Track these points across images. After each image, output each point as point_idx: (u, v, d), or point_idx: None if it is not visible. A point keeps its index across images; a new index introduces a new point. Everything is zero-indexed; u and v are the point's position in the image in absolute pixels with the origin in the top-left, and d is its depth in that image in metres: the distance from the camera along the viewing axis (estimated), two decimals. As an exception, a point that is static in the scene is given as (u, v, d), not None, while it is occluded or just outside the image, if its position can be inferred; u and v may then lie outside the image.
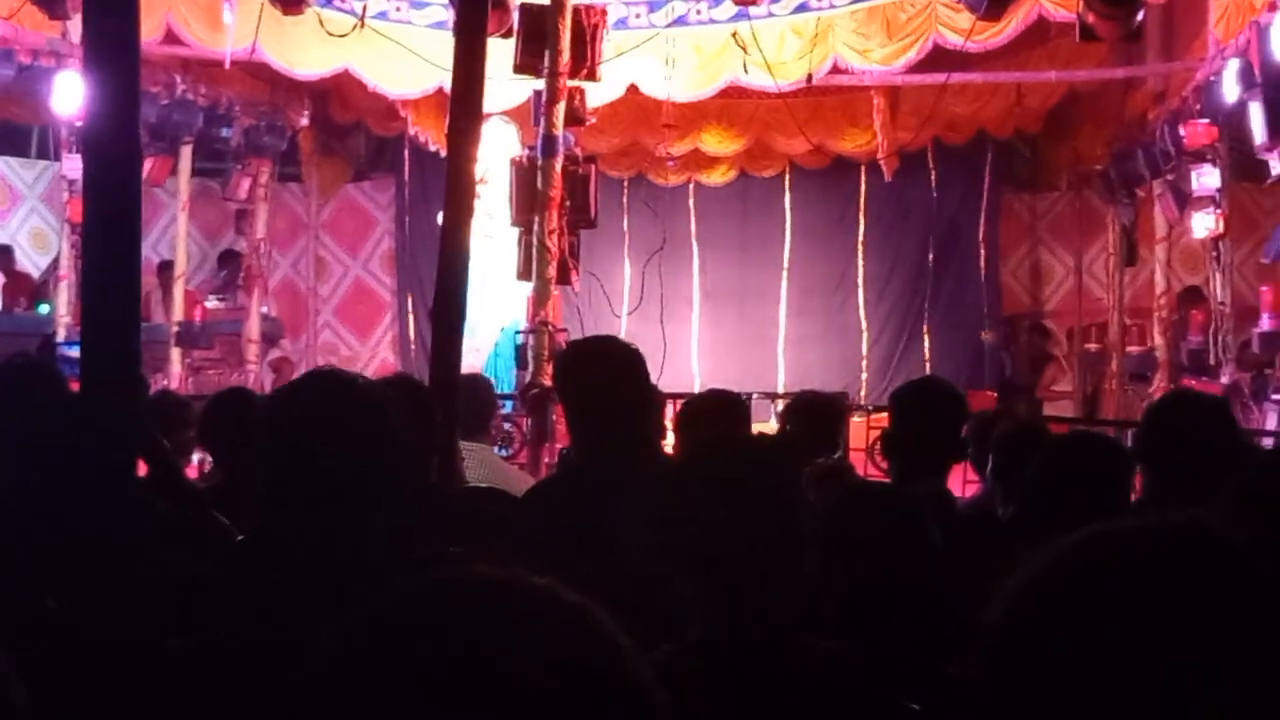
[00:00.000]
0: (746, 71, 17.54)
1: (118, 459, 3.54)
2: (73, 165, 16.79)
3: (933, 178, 22.71)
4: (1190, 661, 1.59)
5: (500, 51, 12.33)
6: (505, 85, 14.20)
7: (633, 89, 18.07)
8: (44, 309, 19.01)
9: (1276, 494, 3.00)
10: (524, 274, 13.30)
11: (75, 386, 3.82)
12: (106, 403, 3.52)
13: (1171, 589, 1.64)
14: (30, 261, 21.36)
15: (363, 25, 16.42)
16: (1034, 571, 1.72)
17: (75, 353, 3.67)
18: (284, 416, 3.44)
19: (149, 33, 16.00)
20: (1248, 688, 1.59)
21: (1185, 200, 17.52)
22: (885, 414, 14.63)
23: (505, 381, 15.07)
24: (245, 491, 3.74)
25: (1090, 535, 1.73)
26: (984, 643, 1.72)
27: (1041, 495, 4.76)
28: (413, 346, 23.16)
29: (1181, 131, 16.54)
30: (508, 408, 13.13)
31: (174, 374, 19.51)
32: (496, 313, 16.29)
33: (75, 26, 14.46)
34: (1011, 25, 16.27)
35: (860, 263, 23.28)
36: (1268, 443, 13.55)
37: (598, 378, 5.01)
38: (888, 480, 6.20)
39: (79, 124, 13.69)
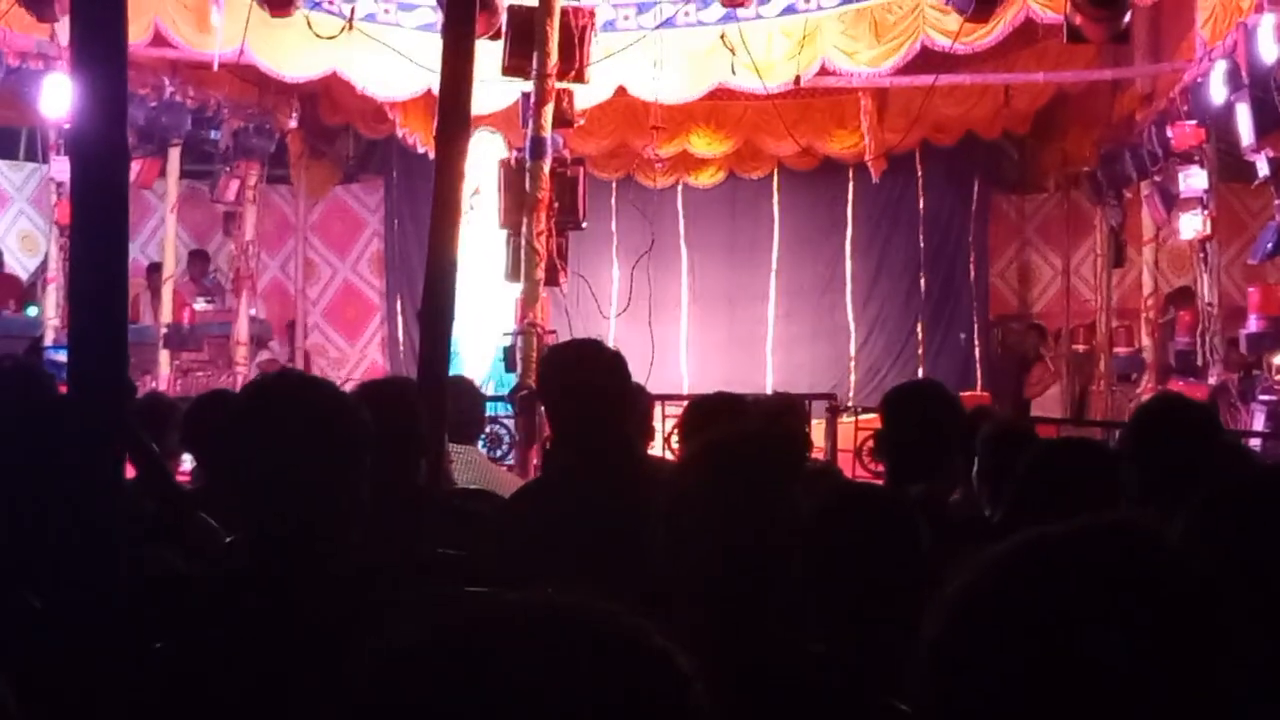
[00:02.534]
0: (735, 73, 17.55)
1: (104, 461, 3.53)
2: (61, 168, 16.79)
3: (920, 179, 22.77)
4: (1125, 662, 1.59)
5: (489, 53, 12.33)
6: (494, 87, 14.20)
7: (621, 91, 18.08)
8: (32, 311, 19.00)
9: (1242, 497, 3.00)
10: (512, 276, 13.30)
11: (63, 389, 3.81)
12: (93, 405, 3.52)
13: (1103, 591, 1.63)
14: (18, 264, 21.36)
15: (351, 27, 16.44)
16: (967, 582, 1.72)
17: (62, 356, 3.67)
18: (254, 425, 3.48)
19: (137, 35, 16.01)
20: (1182, 686, 1.59)
21: (1173, 201, 17.54)
22: (874, 415, 14.70)
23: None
24: (221, 494, 3.75)
25: (1021, 542, 1.73)
26: (924, 657, 1.71)
27: (1030, 499, 4.76)
28: (401, 348, 23.16)
29: (1169, 133, 16.56)
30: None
31: (163, 376, 19.49)
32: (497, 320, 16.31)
33: (63, 29, 14.45)
34: (999, 27, 16.29)
35: (849, 264, 23.30)
36: (1255, 443, 13.57)
37: (579, 380, 5.03)
38: (877, 482, 6.21)
39: (67, 126, 13.68)
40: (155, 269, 20.68)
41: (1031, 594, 1.65)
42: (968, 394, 20.37)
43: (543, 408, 5.41)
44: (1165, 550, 1.68)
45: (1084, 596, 1.62)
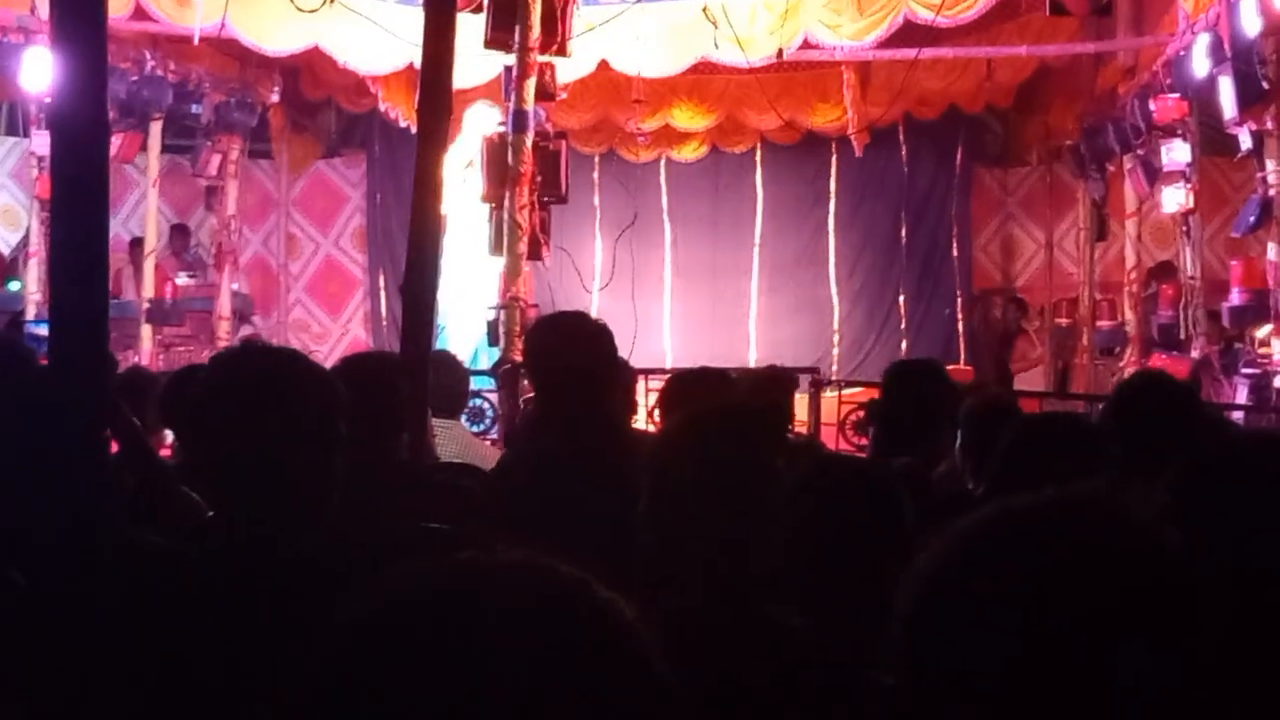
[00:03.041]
0: (717, 47, 17.52)
1: (86, 434, 3.53)
2: (42, 142, 16.71)
3: (904, 153, 22.77)
4: (1091, 633, 1.59)
5: (471, 27, 12.31)
6: (476, 61, 14.18)
7: (603, 65, 18.05)
8: (14, 286, 18.97)
9: (1219, 468, 3.01)
10: (495, 250, 13.29)
11: (44, 364, 3.81)
12: (75, 378, 3.52)
13: (1069, 563, 1.64)
14: (0, 239, 21.30)
15: (332, 1, 16.38)
16: (936, 555, 1.72)
17: (44, 330, 3.66)
18: (222, 401, 3.44)
19: (118, 9, 15.97)
20: (1149, 656, 1.60)
21: (1155, 175, 17.57)
22: (858, 389, 14.71)
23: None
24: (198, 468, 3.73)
25: (987, 516, 1.73)
26: (897, 633, 1.72)
27: (1014, 474, 4.76)
28: (384, 323, 23.15)
29: (1152, 106, 16.59)
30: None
31: (145, 351, 19.45)
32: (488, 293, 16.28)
33: (44, 2, 14.40)
34: (982, 0, 16.29)
35: (832, 238, 23.31)
36: (1238, 416, 13.60)
37: (564, 352, 5.03)
38: (860, 455, 6.21)
39: (48, 100, 13.65)
40: (137, 244, 20.61)
41: (999, 566, 1.66)
42: (951, 367, 20.41)
43: (527, 380, 5.39)
44: (1130, 522, 1.69)
45: (1050, 568, 1.63)
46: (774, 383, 8.28)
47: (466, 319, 16.59)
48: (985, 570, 1.67)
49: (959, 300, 22.86)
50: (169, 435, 6.87)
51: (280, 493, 3.31)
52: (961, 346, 22.53)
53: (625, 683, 1.47)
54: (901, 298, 22.98)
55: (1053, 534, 1.68)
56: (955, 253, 23.04)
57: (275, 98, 21.26)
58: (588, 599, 1.51)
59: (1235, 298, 15.86)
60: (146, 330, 19.72)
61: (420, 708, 1.42)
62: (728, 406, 3.88)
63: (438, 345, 17.58)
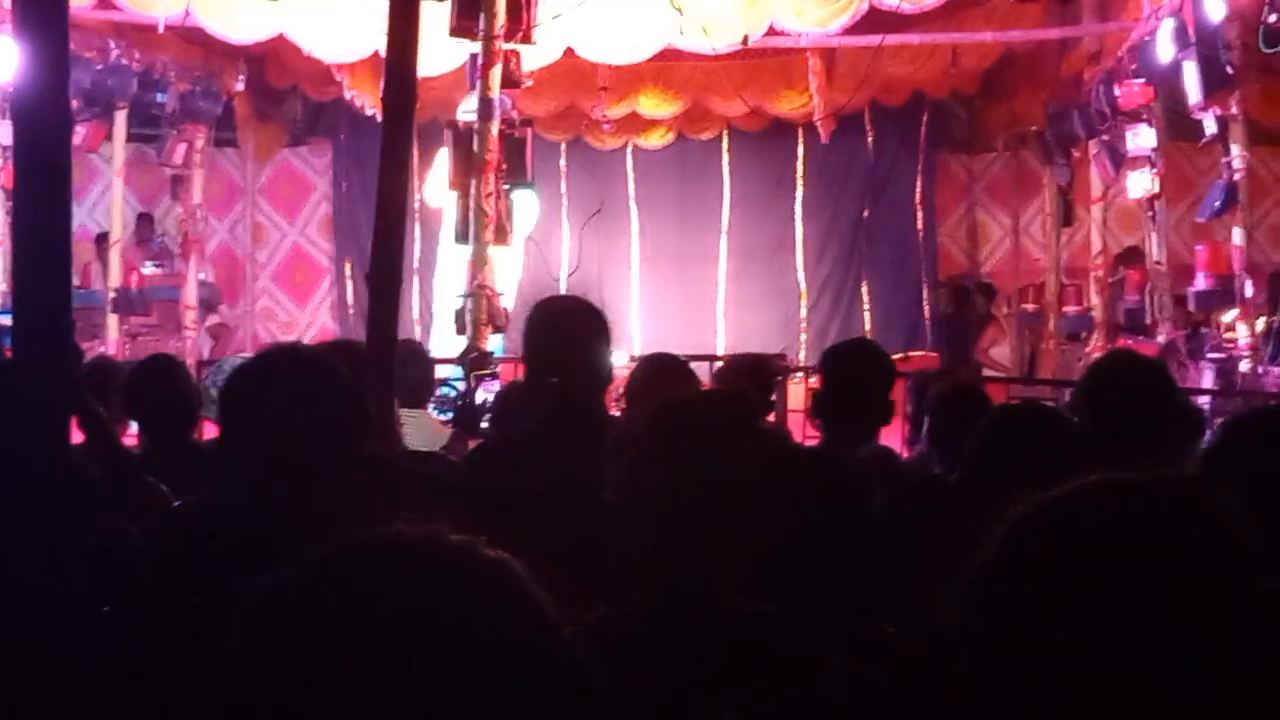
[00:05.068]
0: (683, 33, 17.49)
1: (50, 425, 3.52)
2: (6, 131, 16.64)
3: (870, 139, 22.81)
4: (1174, 616, 1.62)
5: (435, 15, 12.29)
6: (441, 49, 14.15)
7: (569, 52, 18.00)
8: (-21, 276, 18.89)
9: (1247, 451, 3.02)
10: (461, 237, 13.27)
11: (9, 354, 3.79)
12: (38, 369, 3.50)
13: (1167, 546, 1.67)
14: (-36, 229, 21.22)
15: (297, -12, 16.35)
16: (1028, 515, 1.75)
17: (7, 320, 3.65)
18: (253, 397, 3.51)
19: (82, -3, 15.91)
20: (1227, 644, 1.62)
21: (1121, 160, 17.63)
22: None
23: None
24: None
25: (1088, 485, 1.75)
26: (976, 577, 1.74)
27: (987, 462, 4.76)
28: (351, 311, 23.10)
29: (1117, 92, 16.64)
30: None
31: (111, 341, 19.41)
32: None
33: (7, -8, 14.35)
34: (947, -14, 16.32)
35: (799, 225, 23.33)
36: (1203, 400, 13.65)
37: (571, 337, 4.98)
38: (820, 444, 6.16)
39: (10, 90, 13.58)
40: (103, 239, 20.59)
41: (1096, 535, 1.69)
42: (917, 354, 20.51)
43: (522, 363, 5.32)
44: (1222, 515, 1.71)
45: (1147, 547, 1.67)
46: (754, 371, 8.28)
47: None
48: (1081, 533, 1.72)
49: (925, 286, 22.89)
50: (133, 425, 6.84)
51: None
52: (927, 332, 22.55)
53: (517, 631, 1.53)
54: (866, 284, 23.03)
55: (1152, 513, 1.73)
56: (921, 239, 23.08)
57: (240, 86, 21.17)
58: (474, 555, 1.57)
59: (1201, 282, 15.92)
60: (113, 320, 19.67)
61: (323, 670, 1.47)
62: (694, 395, 3.88)
63: (430, 335, 17.64)
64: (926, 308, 22.85)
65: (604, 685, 1.60)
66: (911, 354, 20.57)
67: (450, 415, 12.81)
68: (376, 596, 1.50)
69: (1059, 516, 1.73)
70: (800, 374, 16.47)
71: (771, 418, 13.22)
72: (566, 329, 5.03)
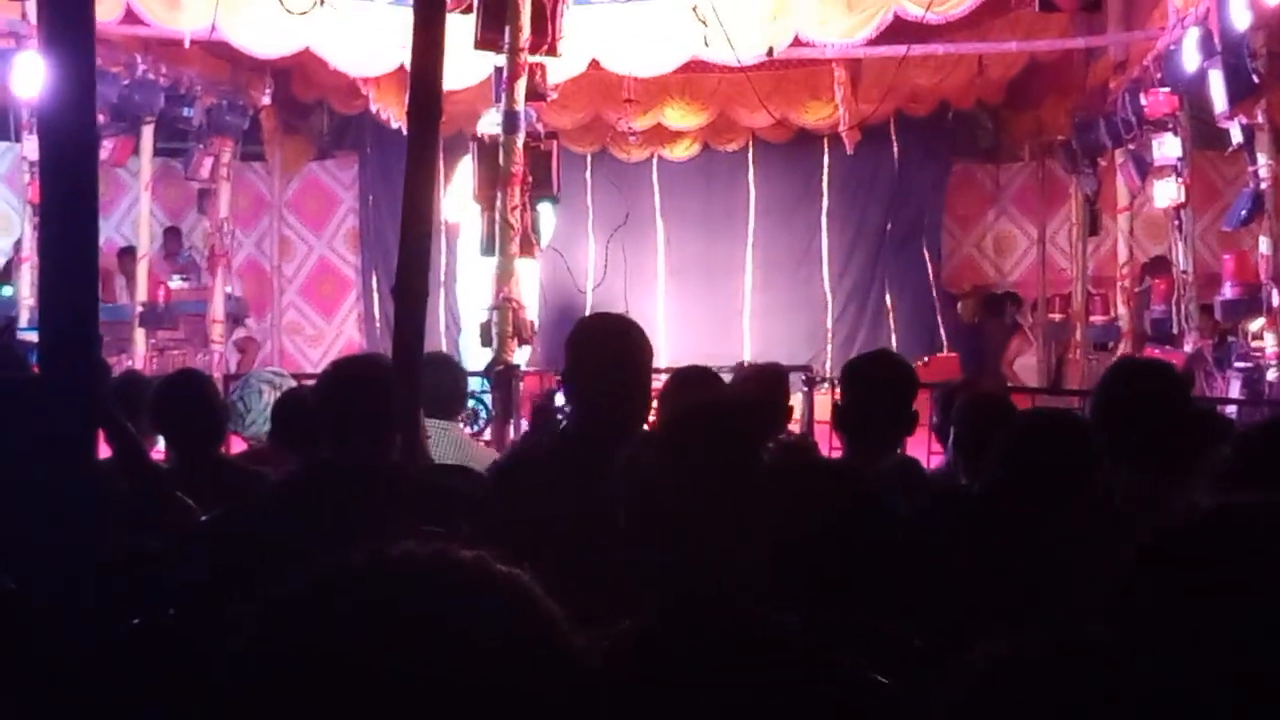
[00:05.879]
0: (707, 45, 17.49)
1: (77, 439, 3.53)
2: (33, 146, 16.68)
3: (895, 150, 22.84)
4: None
5: (461, 28, 12.29)
6: (467, 62, 14.16)
7: (594, 64, 18.02)
8: (7, 291, 18.95)
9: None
10: (487, 250, 13.27)
11: (36, 369, 3.81)
12: (65, 383, 3.52)
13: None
14: (-5, 245, 21.32)
15: (322, 3, 16.36)
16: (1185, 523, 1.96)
17: (35, 335, 3.68)
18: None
19: (108, 13, 15.97)
20: None
21: (1147, 169, 17.58)
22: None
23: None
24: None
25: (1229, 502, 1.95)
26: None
27: (1013, 473, 4.74)
28: (377, 324, 23.16)
29: (1143, 100, 16.59)
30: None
31: (139, 355, 19.45)
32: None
33: (34, 7, 14.38)
34: (972, -4, 16.30)
35: (824, 235, 23.34)
36: (1231, 410, 13.60)
37: (619, 356, 4.96)
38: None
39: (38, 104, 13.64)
40: (128, 253, 20.65)
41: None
42: (938, 357, 20.53)
43: (564, 382, 5.28)
44: None
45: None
46: (760, 380, 8.25)
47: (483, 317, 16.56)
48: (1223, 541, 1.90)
49: (947, 296, 22.88)
50: (161, 440, 6.84)
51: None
52: (946, 341, 22.51)
53: (526, 645, 1.55)
54: (891, 294, 23.03)
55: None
56: (947, 249, 23.07)
57: (267, 100, 21.22)
58: (485, 570, 1.59)
59: (1228, 291, 15.86)
60: (140, 334, 19.71)
61: (331, 683, 1.49)
62: (704, 404, 3.85)
63: (458, 348, 17.65)
64: (949, 318, 22.80)
65: (612, 698, 1.62)
66: (931, 358, 20.56)
67: (477, 428, 12.86)
68: (385, 609, 1.52)
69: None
70: (826, 384, 16.42)
71: (795, 425, 13.24)
72: (623, 357, 5.00)
